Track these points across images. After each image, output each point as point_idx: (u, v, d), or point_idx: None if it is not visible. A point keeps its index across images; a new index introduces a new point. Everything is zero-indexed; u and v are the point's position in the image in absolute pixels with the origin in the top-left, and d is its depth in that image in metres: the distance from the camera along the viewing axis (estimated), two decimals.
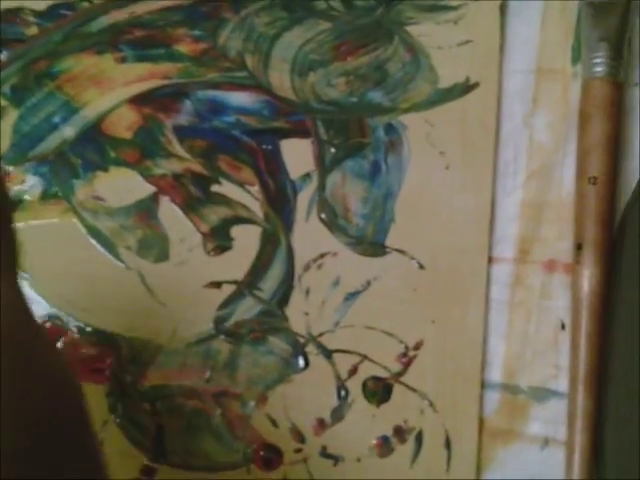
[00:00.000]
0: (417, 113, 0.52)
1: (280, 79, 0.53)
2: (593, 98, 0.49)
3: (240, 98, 0.53)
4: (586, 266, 0.46)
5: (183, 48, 0.54)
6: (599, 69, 0.50)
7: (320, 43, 0.54)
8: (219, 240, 0.50)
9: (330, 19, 0.54)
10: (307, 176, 0.51)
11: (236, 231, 0.50)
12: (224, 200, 0.51)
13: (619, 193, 0.48)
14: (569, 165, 0.49)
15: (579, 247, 0.47)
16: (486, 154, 0.51)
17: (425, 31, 0.54)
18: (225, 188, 0.51)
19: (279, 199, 0.51)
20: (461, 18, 0.53)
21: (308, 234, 0.50)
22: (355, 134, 0.52)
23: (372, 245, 0.50)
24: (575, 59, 0.52)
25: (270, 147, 0.52)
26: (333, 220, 0.50)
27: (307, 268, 0.49)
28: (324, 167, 0.51)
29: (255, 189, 0.51)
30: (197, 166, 0.52)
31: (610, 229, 0.47)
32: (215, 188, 0.51)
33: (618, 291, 0.46)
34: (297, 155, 0.52)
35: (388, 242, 0.49)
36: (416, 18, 0.54)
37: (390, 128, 0.52)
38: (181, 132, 0.53)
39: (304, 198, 0.51)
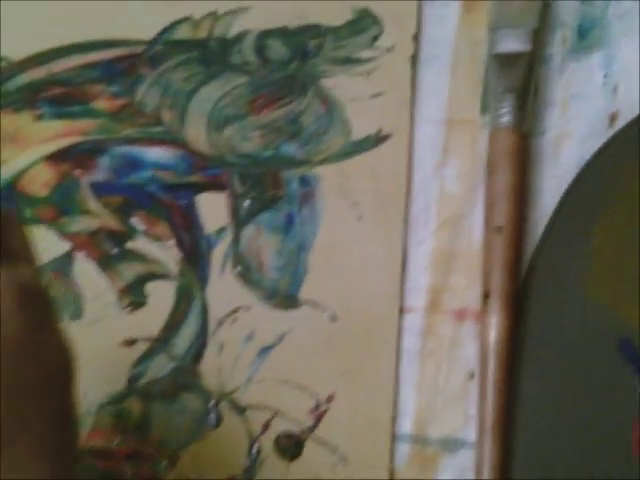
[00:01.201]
0: (331, 165, 0.53)
1: (196, 134, 0.54)
2: (499, 148, 0.51)
3: (156, 153, 0.54)
4: (493, 314, 0.47)
5: (101, 104, 0.55)
6: (505, 119, 0.51)
7: (236, 97, 0.55)
8: (134, 296, 0.50)
9: (246, 73, 0.55)
10: (222, 230, 0.52)
11: (151, 287, 0.51)
12: (139, 256, 0.51)
13: (525, 242, 0.49)
14: (478, 214, 0.50)
15: (486, 296, 0.48)
16: (398, 204, 0.52)
17: (339, 84, 0.55)
18: (140, 244, 0.52)
19: (194, 254, 0.51)
20: (373, 70, 0.55)
21: (223, 288, 0.50)
22: (270, 187, 0.53)
23: (286, 298, 0.50)
24: (484, 109, 0.53)
25: (186, 202, 0.52)
26: (247, 274, 0.51)
27: (221, 323, 0.49)
28: (239, 221, 0.52)
29: (171, 244, 0.51)
30: (113, 222, 0.52)
31: (516, 278, 0.48)
32: (130, 244, 0.52)
33: (524, 339, 0.47)
34: (213, 209, 0.52)
35: (302, 294, 0.50)
36: (330, 71, 0.55)
37: (304, 180, 0.53)
38: (97, 188, 0.53)
39: (219, 252, 0.51)
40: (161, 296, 0.50)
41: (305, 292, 0.50)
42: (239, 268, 0.51)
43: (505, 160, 0.50)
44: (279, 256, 0.51)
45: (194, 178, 0.53)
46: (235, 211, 0.52)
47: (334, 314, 0.49)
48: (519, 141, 0.50)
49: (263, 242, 0.51)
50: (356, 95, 0.54)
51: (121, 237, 0.52)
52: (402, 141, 0.53)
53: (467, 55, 0.54)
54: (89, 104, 0.55)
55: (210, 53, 0.56)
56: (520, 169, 0.50)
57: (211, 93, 0.55)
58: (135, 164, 0.53)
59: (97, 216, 0.52)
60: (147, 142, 0.54)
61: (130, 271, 0.51)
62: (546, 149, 0.51)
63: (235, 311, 0.49)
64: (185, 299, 0.50)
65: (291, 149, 0.53)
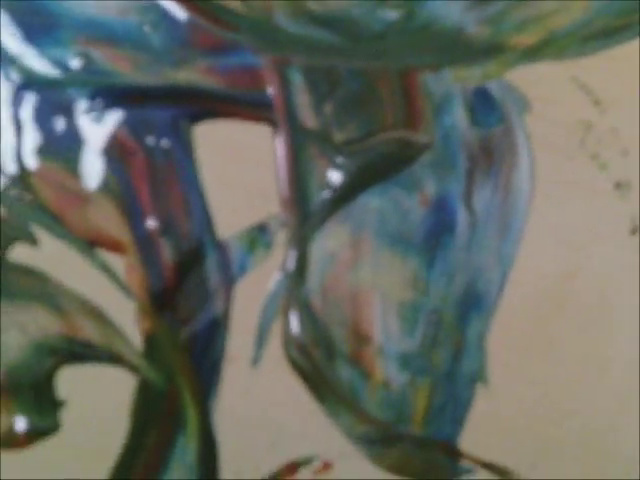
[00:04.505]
0: (564, 63, 0.20)
1: None
2: None
3: None
4: None
5: None
6: None
7: None
8: None
9: None
10: (261, 233, 0.19)
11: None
12: None
13: None
14: None
15: None
16: None
17: None
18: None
19: (181, 290, 0.19)
20: None
21: (250, 401, 0.19)
22: (391, 119, 0.20)
23: (426, 447, 0.19)
24: None
25: (165, 141, 0.20)
26: (311, 372, 0.19)
27: None
28: (306, 209, 0.19)
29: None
30: None
31: None
32: None
33: None
34: (233, 173, 0.20)
35: (469, 442, 0.19)
36: None
37: (485, 103, 0.20)
38: None
39: (250, 292, 0.19)
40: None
41: (476, 440, 0.19)
42: (296, 353, 0.19)
43: None
44: (410, 324, 0.19)
45: (185, 74, 0.20)
46: (298, 178, 0.20)
47: None
48: None
49: (367, 276, 0.19)
50: None
51: None
52: None
53: None
54: None
55: None
56: None
57: None
58: (36, 26, 0.20)
59: None
60: None
61: None
62: None
63: (286, 473, 0.19)
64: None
65: (452, 7, 0.19)
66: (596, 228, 0.19)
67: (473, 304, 0.19)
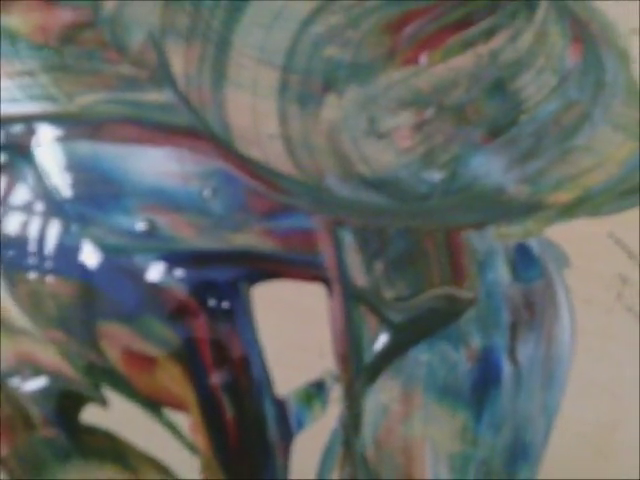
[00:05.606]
0: (598, 220, 0.21)
1: (250, 113, 0.21)
2: None
3: (153, 164, 0.21)
4: None
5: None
6: None
7: (352, 17, 0.21)
8: None
9: None
10: (316, 391, 0.21)
11: None
12: None
13: None
14: None
15: None
16: None
17: None
18: None
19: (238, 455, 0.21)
20: None
21: None
22: (436, 277, 0.21)
23: None
24: None
25: (221, 302, 0.21)
26: None
27: None
28: (358, 364, 0.21)
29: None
30: None
31: None
32: None
33: None
34: (289, 330, 0.21)
35: None
36: None
37: (525, 258, 0.21)
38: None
39: (310, 450, 0.20)
40: None
41: None
42: None
43: None
44: (460, 474, 0.20)
45: (243, 238, 0.21)
46: (351, 335, 0.21)
47: None
48: None
49: (418, 428, 0.20)
50: None
51: None
52: None
53: None
54: None
55: None
56: None
57: (293, 10, 0.21)
58: (104, 195, 0.21)
59: None
60: (124, 130, 0.21)
61: None
62: None
63: None
64: None
65: (493, 168, 0.21)
66: (635, 379, 0.20)
67: (520, 453, 0.20)
